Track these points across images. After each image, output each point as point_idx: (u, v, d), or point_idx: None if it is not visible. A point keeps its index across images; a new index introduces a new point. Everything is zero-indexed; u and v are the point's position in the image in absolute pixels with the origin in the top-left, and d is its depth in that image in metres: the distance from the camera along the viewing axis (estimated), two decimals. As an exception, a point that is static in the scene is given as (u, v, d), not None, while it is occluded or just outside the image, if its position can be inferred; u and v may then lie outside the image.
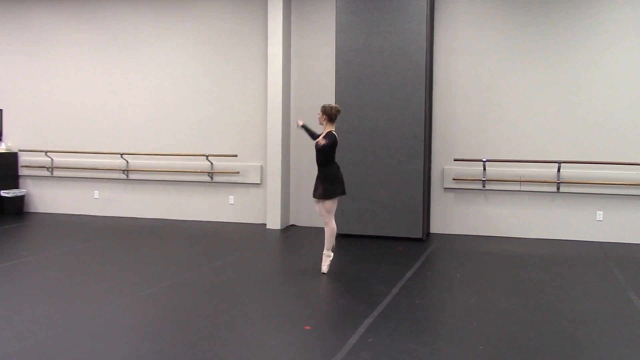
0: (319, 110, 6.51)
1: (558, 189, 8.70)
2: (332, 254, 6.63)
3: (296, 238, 9.02)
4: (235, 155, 9.95)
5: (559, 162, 8.57)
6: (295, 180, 9.83)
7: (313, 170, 6.87)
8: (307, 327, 4.90)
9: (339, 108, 6.58)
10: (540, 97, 8.75)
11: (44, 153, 10.94)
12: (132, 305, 5.44)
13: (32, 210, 11.17)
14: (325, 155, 6.42)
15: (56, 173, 11.02)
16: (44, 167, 11.00)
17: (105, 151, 10.64)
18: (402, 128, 8.46)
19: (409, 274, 6.61)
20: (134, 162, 10.58)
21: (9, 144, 11.18)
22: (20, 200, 10.91)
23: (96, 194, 10.84)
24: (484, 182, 8.93)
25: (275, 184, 9.60)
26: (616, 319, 5.18)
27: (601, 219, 8.61)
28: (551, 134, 8.72)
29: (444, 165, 9.14)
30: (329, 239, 6.56)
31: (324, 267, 6.57)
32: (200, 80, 10.21)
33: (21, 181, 11.23)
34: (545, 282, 6.40)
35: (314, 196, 6.55)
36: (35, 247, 8.40)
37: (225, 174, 10.12)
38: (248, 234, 9.20)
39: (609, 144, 8.52)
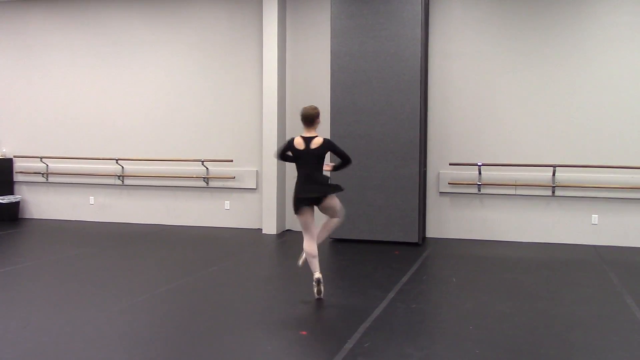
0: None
1: (553, 192, 8.72)
2: None
3: (292, 243, 8.99)
4: (231, 161, 9.94)
5: (554, 166, 8.59)
6: (291, 185, 9.79)
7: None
8: (304, 332, 4.90)
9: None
10: (535, 100, 8.78)
11: (39, 159, 10.91)
12: (128, 311, 5.42)
13: (27, 217, 11.13)
14: (323, 159, 6.01)
15: (51, 179, 11.00)
16: (39, 173, 10.97)
17: (100, 157, 10.62)
18: (397, 132, 8.48)
19: (405, 279, 6.61)
20: (130, 167, 10.56)
21: (4, 150, 11.15)
22: (15, 207, 10.87)
23: (91, 199, 10.82)
24: (479, 186, 8.94)
25: (271, 189, 9.60)
26: (611, 323, 5.19)
27: (596, 223, 8.63)
28: (546, 137, 8.75)
29: (439, 169, 9.15)
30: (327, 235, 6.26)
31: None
32: (196, 86, 10.21)
33: (16, 187, 11.19)
34: (541, 286, 6.41)
35: (328, 192, 5.88)
36: (30, 254, 8.37)
37: (221, 179, 10.11)
38: (244, 239, 9.19)
39: (604, 147, 8.55)
